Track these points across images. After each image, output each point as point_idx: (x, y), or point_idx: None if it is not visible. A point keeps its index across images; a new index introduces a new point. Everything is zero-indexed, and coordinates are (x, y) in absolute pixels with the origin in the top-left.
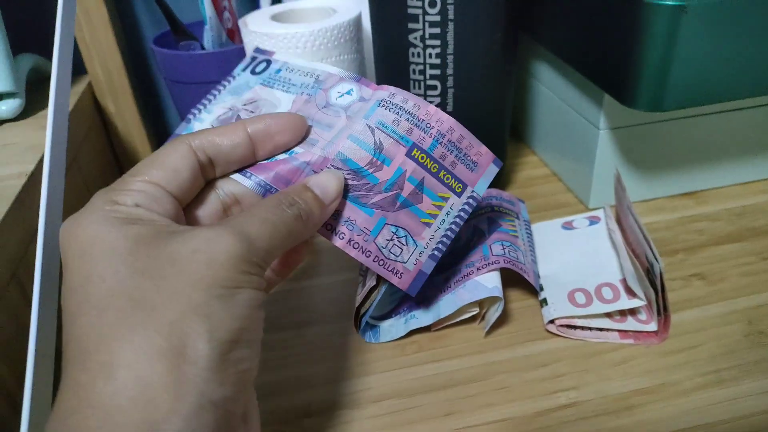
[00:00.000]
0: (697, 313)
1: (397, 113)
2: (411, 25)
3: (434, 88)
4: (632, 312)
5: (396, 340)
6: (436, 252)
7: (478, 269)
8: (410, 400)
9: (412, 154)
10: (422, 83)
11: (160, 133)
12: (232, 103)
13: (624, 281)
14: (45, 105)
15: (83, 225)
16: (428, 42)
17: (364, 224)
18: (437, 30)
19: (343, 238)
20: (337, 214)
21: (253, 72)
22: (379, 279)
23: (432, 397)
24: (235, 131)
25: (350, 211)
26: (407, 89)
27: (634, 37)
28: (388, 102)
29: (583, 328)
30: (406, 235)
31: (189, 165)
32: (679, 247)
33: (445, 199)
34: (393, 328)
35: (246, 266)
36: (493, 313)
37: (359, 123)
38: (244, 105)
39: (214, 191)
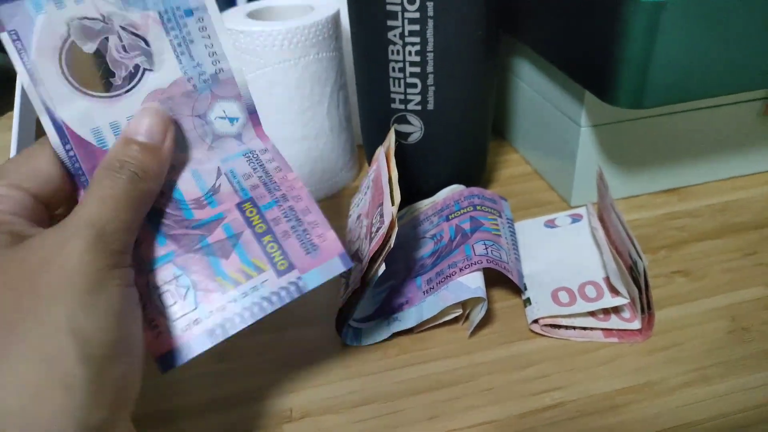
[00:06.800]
0: (681, 311)
1: (254, 169)
2: (390, 23)
3: (414, 86)
4: (616, 310)
5: (378, 342)
6: (218, 330)
7: (461, 270)
8: (393, 403)
9: (243, 206)
10: (402, 81)
11: None
12: (112, 11)
13: (607, 279)
14: (12, 106)
15: None
16: (408, 39)
17: (147, 252)
18: (416, 27)
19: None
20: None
21: None
22: (364, 282)
23: (415, 400)
24: None
25: (143, 233)
26: (387, 87)
27: (614, 34)
28: (255, 156)
29: (567, 327)
30: (188, 288)
31: (59, 172)
32: (661, 244)
33: (260, 270)
34: (375, 330)
35: (105, 258)
36: (477, 314)
37: (212, 161)
38: (124, 28)
39: None
